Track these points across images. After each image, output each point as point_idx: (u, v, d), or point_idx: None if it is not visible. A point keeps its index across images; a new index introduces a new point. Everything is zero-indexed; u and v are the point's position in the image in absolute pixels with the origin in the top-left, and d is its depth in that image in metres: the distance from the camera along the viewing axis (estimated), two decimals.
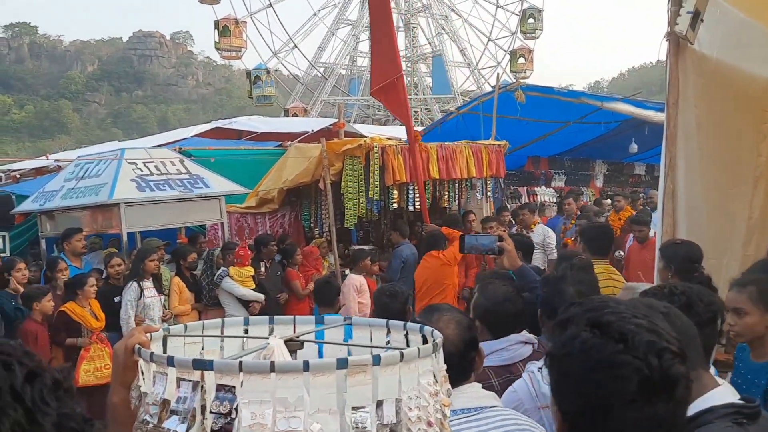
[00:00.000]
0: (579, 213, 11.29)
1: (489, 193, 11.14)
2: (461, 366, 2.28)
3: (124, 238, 8.72)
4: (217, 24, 42.91)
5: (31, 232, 11.30)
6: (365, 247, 9.70)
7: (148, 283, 7.48)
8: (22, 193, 11.91)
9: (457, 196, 10.72)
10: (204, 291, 8.53)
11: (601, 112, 12.25)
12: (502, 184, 12.97)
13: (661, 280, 4.76)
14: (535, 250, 7.47)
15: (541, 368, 2.67)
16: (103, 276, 7.93)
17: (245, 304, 8.34)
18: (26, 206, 10.36)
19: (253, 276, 8.43)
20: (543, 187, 15.45)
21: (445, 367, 1.69)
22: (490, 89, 16.12)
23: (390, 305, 4.59)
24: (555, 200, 14.59)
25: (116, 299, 7.45)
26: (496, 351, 3.04)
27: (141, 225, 8.95)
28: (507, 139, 11.59)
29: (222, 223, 9.93)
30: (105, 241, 10.12)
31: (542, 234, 10.06)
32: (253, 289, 8.39)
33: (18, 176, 14.95)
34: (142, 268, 7.44)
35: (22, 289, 7.15)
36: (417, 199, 9.74)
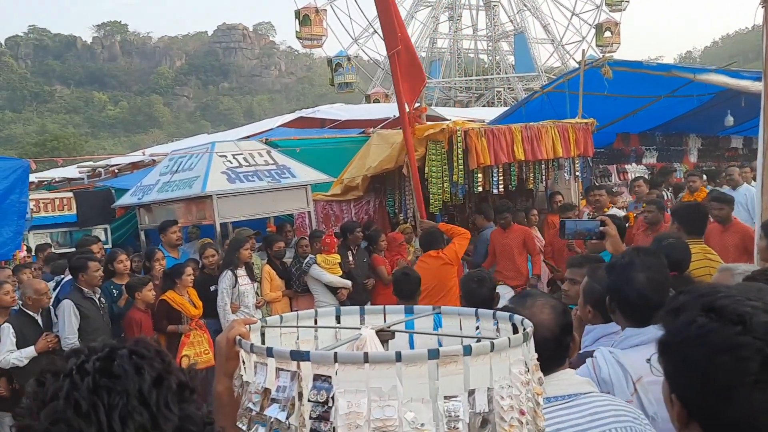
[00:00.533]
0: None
1: (577, 173, 10.89)
2: (557, 352, 2.27)
3: (217, 228, 9.02)
4: (297, 13, 43.40)
5: (131, 224, 11.83)
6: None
7: (241, 272, 7.73)
8: (121, 187, 12.49)
9: (543, 177, 10.54)
10: (293, 278, 8.74)
11: (694, 85, 11.77)
12: (591, 163, 12.66)
13: (763, 260, 4.56)
14: None
15: (612, 352, 2.64)
16: (199, 266, 8.23)
17: (333, 290, 8.51)
18: (125, 200, 10.86)
19: (340, 263, 8.58)
20: (633, 164, 14.99)
21: (536, 355, 1.69)
22: (575, 65, 15.73)
23: (477, 291, 4.57)
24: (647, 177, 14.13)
25: (212, 288, 7.73)
26: (607, 335, 3.04)
27: (232, 215, 9.24)
28: (594, 117, 11.29)
29: (309, 212, 10.13)
30: (203, 232, 10.49)
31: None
32: (340, 276, 8.54)
33: (116, 171, 15.66)
34: (237, 257, 7.69)
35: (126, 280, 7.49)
36: (501, 182, 9.65)
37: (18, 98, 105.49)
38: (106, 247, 10.53)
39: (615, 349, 2.67)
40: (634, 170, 14.57)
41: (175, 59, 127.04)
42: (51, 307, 6.62)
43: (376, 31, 46.97)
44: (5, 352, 6.07)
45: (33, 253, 10.28)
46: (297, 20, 43.53)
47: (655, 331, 2.66)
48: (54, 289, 7.29)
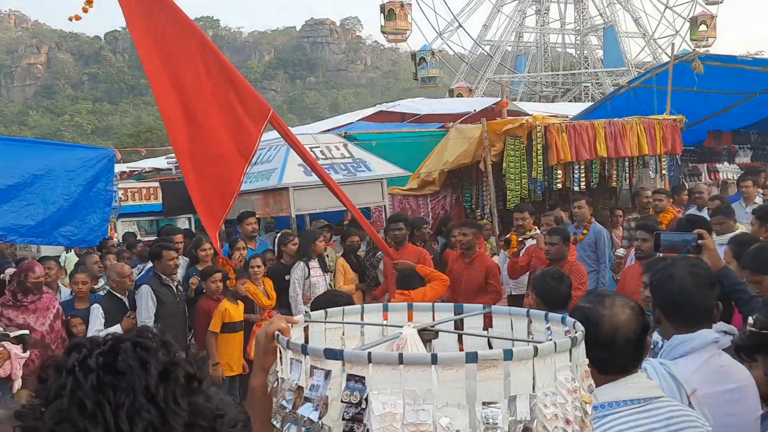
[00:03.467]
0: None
1: (664, 171, 10.50)
2: (636, 353, 2.21)
3: (293, 220, 9.13)
4: (382, 8, 43.67)
5: None
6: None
7: (314, 263, 7.78)
8: None
9: (627, 174, 10.20)
10: (367, 272, 8.75)
11: None
12: (679, 161, 12.17)
13: None
14: None
15: (663, 363, 2.50)
16: (276, 256, 8.33)
17: None
18: None
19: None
20: (726, 163, 14.31)
21: (587, 361, 1.60)
22: (666, 60, 15.14)
23: (557, 288, 4.44)
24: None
25: (286, 277, 7.82)
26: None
27: (308, 208, 9.33)
28: (684, 113, 10.87)
29: (385, 206, 10.12)
30: (279, 224, 10.64)
31: None
32: None
33: None
34: (312, 249, 7.76)
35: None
36: (582, 179, 9.39)
37: (115, 91, 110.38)
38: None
39: (665, 360, 2.53)
40: (726, 169, 13.91)
41: (264, 54, 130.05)
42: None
43: (461, 25, 46.73)
44: (94, 331, 6.39)
45: (120, 240, 10.70)
46: (382, 14, 43.75)
47: (705, 336, 2.51)
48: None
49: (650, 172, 10.61)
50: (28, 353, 5.79)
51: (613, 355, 2.13)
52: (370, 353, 1.41)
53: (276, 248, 8.29)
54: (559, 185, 9.33)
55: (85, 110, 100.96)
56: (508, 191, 9.39)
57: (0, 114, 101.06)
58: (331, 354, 1.45)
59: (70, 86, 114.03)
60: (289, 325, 1.75)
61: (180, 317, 6.75)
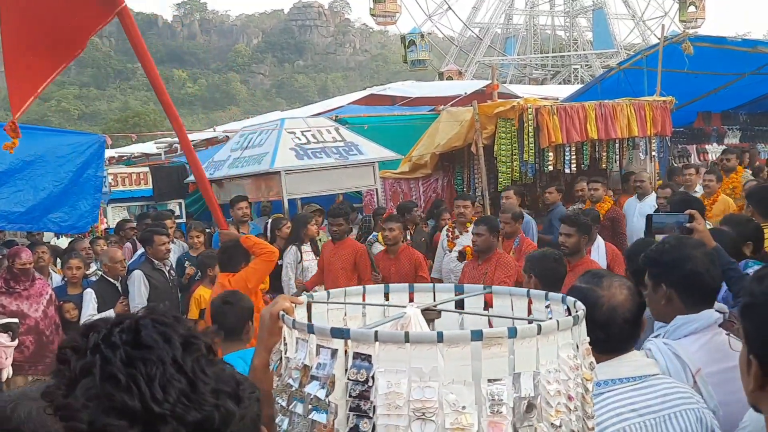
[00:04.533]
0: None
1: (653, 153, 10.53)
2: (633, 332, 2.26)
3: (285, 204, 9.13)
4: None
5: (204, 199, 12.08)
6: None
7: (306, 248, 7.80)
8: None
9: (617, 156, 10.23)
10: None
11: None
12: (669, 143, 12.21)
13: None
14: None
15: (667, 343, 2.52)
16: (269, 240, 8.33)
17: None
18: None
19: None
20: (715, 144, 14.41)
21: (587, 339, 1.63)
22: (656, 42, 15.15)
23: (557, 269, 4.44)
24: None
25: (279, 262, 7.83)
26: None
27: (300, 192, 9.34)
28: (674, 95, 10.87)
29: (376, 189, 10.13)
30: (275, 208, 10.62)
31: None
32: None
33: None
34: (303, 233, 7.76)
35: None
36: (573, 161, 9.42)
37: (102, 76, 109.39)
38: (180, 221, 10.81)
39: (668, 340, 2.56)
40: (715, 150, 14.01)
41: (251, 37, 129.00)
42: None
43: (450, 8, 46.55)
44: (87, 316, 6.42)
45: (109, 226, 10.66)
46: None
47: (709, 316, 2.54)
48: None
49: (640, 154, 10.64)
50: (16, 342, 5.77)
51: (610, 335, 2.16)
52: (376, 332, 1.42)
53: (270, 232, 8.29)
54: (551, 167, 9.35)
55: (72, 95, 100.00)
56: (499, 174, 9.41)
57: None
58: (338, 333, 1.47)
59: None
60: (293, 305, 1.77)
61: (173, 302, 6.77)
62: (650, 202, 8.45)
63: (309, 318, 1.90)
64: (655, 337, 2.64)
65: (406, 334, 1.42)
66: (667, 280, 2.63)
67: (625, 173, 10.36)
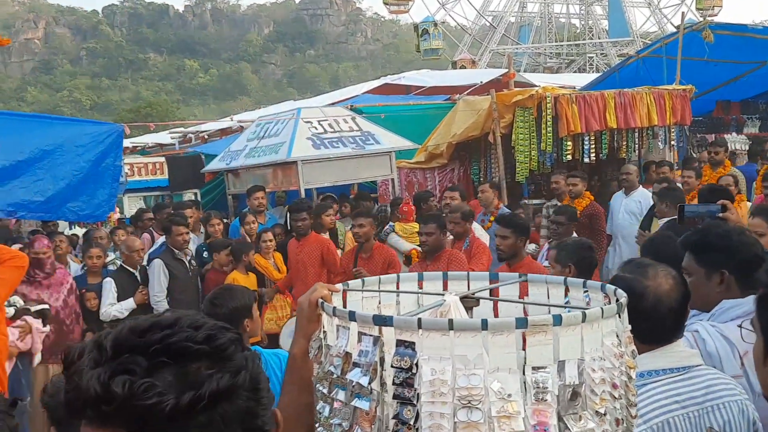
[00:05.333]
0: None
1: (673, 142, 10.47)
2: (678, 323, 2.24)
3: (302, 194, 9.13)
4: None
5: (219, 189, 12.15)
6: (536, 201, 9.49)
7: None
8: (210, 152, 12.83)
9: (636, 146, 10.17)
10: None
11: None
12: (687, 132, 12.12)
13: None
14: None
15: (714, 325, 2.51)
16: (287, 230, 8.35)
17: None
18: (214, 165, 11.14)
19: (417, 231, 8.48)
20: (734, 133, 14.26)
21: (629, 327, 1.61)
22: (673, 30, 15.02)
23: (594, 258, 4.42)
24: (746, 148, 13.43)
25: None
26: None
27: (317, 182, 9.34)
28: (693, 83, 10.80)
29: (392, 179, 10.11)
30: (289, 198, 10.64)
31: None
32: (417, 245, 8.46)
33: (206, 137, 16.08)
34: (319, 222, 7.77)
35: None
36: (592, 150, 9.37)
37: (114, 66, 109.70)
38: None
39: (715, 322, 2.55)
40: (734, 140, 13.87)
41: (263, 27, 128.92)
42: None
43: None
44: (107, 305, 6.45)
45: (125, 216, 10.73)
46: None
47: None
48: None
49: (659, 143, 10.58)
50: (48, 328, 5.84)
51: (655, 325, 2.15)
52: (420, 319, 1.42)
53: (287, 222, 8.30)
54: (569, 157, 9.30)
55: (84, 86, 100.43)
56: (517, 163, 9.37)
57: None
58: (380, 320, 1.46)
59: (68, 61, 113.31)
60: (330, 293, 1.76)
61: (192, 292, 6.79)
62: (637, 197, 7.99)
63: (344, 306, 1.90)
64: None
65: (450, 321, 1.41)
66: (729, 265, 2.61)
67: (645, 163, 10.30)
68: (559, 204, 8.11)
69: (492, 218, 7.77)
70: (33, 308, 5.78)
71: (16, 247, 6.93)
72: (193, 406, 0.93)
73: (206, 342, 0.98)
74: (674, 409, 2.07)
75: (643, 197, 7.99)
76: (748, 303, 2.53)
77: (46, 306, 5.93)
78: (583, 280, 1.89)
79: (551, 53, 47.76)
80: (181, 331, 0.98)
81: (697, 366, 2.18)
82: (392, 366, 1.42)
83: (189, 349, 0.96)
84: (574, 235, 6.35)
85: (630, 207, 7.99)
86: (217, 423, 0.96)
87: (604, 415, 1.46)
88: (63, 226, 10.20)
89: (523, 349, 1.41)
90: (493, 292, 2.01)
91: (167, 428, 0.93)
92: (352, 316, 1.51)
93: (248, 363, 1.01)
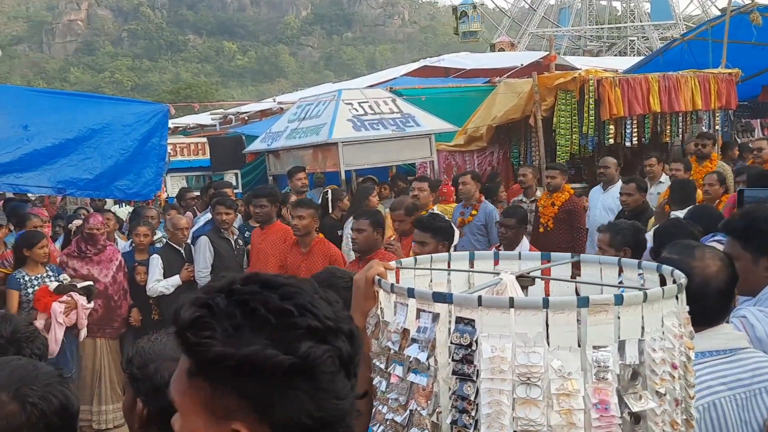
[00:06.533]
0: None
1: (717, 127, 10.28)
2: (725, 304, 2.23)
3: (342, 175, 9.17)
4: None
5: (260, 169, 12.25)
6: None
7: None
8: (251, 133, 12.93)
9: (680, 130, 10.01)
10: None
11: None
12: (732, 117, 11.89)
13: None
14: None
15: (762, 310, 2.49)
16: (327, 211, 8.38)
17: None
18: (255, 146, 11.23)
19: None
20: None
21: (687, 308, 1.61)
22: (718, 13, 14.69)
23: (645, 240, 4.39)
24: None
25: (339, 233, 7.89)
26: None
27: (357, 163, 9.37)
28: (739, 67, 10.58)
29: (432, 161, 10.09)
30: (327, 179, 10.69)
31: None
32: None
33: (246, 118, 16.20)
34: (366, 204, 7.79)
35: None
36: (635, 134, 9.24)
37: (154, 48, 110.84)
38: (236, 191, 10.96)
39: (763, 307, 2.53)
40: None
41: (300, 9, 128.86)
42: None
43: None
44: (153, 281, 6.59)
45: (169, 195, 10.89)
46: None
47: None
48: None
49: (703, 128, 10.39)
50: (92, 304, 5.99)
51: (703, 307, 2.12)
52: (480, 297, 1.43)
53: (330, 204, 8.31)
54: (611, 141, 9.19)
55: (125, 67, 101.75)
56: (558, 147, 9.29)
57: (42, 71, 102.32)
58: (440, 297, 1.48)
59: (109, 43, 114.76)
60: (386, 270, 1.78)
61: (236, 270, 6.87)
62: (615, 193, 7.35)
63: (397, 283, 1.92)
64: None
65: (511, 299, 1.43)
66: None
67: (686, 142, 10.13)
68: (525, 200, 7.76)
69: (473, 212, 7.33)
70: (79, 285, 5.93)
71: (77, 222, 7.11)
72: (224, 360, 0.99)
73: (280, 315, 1.02)
74: (720, 390, 2.06)
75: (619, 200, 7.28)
76: None
77: (91, 283, 6.08)
78: (638, 260, 1.88)
79: (591, 36, 46.99)
80: (271, 294, 1.04)
81: (745, 348, 2.17)
82: (452, 343, 1.43)
83: (259, 312, 1.02)
84: (525, 240, 5.79)
85: (607, 203, 7.43)
86: (271, 394, 1.02)
87: (664, 395, 1.46)
88: (109, 204, 10.40)
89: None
90: (544, 272, 2.02)
91: (210, 369, 1.01)
92: (411, 293, 1.53)
93: (311, 355, 1.02)
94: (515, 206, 6.59)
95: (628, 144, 9.32)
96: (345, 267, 5.39)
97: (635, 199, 6.53)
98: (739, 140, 11.96)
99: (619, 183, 7.46)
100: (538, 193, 7.85)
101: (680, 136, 10.33)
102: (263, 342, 0.99)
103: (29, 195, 9.95)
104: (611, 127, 9.09)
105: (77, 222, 7.21)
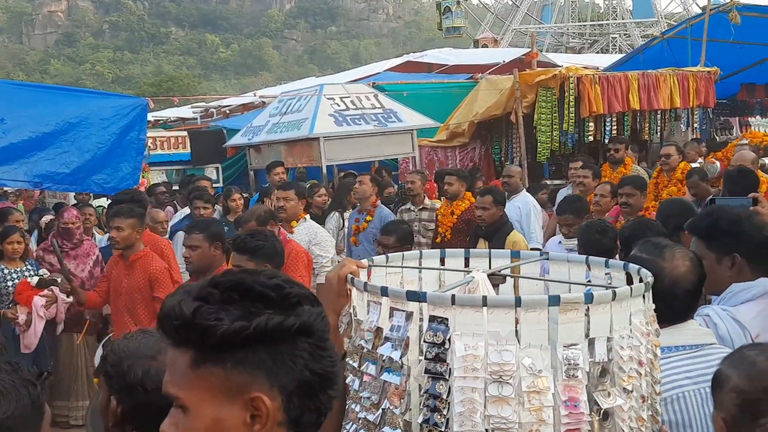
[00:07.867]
0: None
1: (695, 125, 10.39)
2: (693, 302, 2.27)
3: (324, 171, 9.15)
4: None
5: (241, 164, 12.19)
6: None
7: (348, 215, 7.83)
8: (232, 127, 12.87)
9: (658, 128, 10.10)
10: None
11: None
12: (711, 115, 12.00)
13: None
14: None
15: (725, 309, 2.53)
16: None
17: None
18: (236, 140, 11.18)
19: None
20: (758, 117, 14.11)
21: (653, 306, 1.63)
22: (699, 11, 14.80)
23: (601, 242, 4.38)
24: None
25: None
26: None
27: (338, 158, 9.35)
28: (718, 65, 10.69)
29: (413, 157, 10.09)
30: (309, 174, 10.67)
31: None
32: None
33: (228, 112, 16.12)
34: (347, 200, 7.79)
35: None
36: (614, 132, 9.32)
37: (136, 39, 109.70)
38: (216, 185, 10.91)
39: (725, 306, 2.57)
40: (758, 123, 13.72)
41: (284, 2, 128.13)
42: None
43: None
44: None
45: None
46: None
47: (765, 283, 2.55)
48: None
49: (682, 126, 10.51)
50: (71, 298, 5.95)
51: (671, 306, 2.16)
52: (453, 296, 1.44)
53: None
54: (591, 138, 9.26)
55: (106, 59, 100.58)
56: (538, 143, 9.35)
57: (22, 62, 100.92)
58: (414, 296, 1.48)
59: (90, 34, 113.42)
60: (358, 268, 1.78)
61: None
62: (517, 203, 6.96)
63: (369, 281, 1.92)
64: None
65: (484, 298, 1.44)
66: (742, 249, 2.61)
67: (665, 145, 10.21)
68: (412, 209, 7.24)
69: (368, 218, 6.88)
70: (60, 279, 5.89)
71: (47, 217, 7.03)
72: (239, 334, 1.08)
73: (274, 289, 1.14)
74: (685, 384, 2.10)
75: (523, 203, 7.05)
76: (759, 286, 2.55)
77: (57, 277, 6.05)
78: (605, 259, 1.90)
79: (574, 33, 47.22)
80: (256, 276, 1.16)
81: (711, 344, 2.21)
82: (425, 341, 1.44)
83: (255, 289, 1.13)
84: None
85: (509, 212, 6.56)
86: (279, 358, 1.12)
87: (631, 392, 1.48)
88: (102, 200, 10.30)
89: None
90: (514, 270, 2.03)
91: (222, 351, 1.10)
92: (384, 291, 1.54)
93: (310, 317, 1.15)
94: (397, 222, 6.08)
95: (607, 141, 9.39)
96: (305, 265, 5.32)
97: (491, 214, 5.88)
98: (717, 138, 12.08)
99: (523, 192, 7.25)
100: (427, 201, 7.33)
101: (659, 133, 10.42)
102: (267, 312, 1.10)
103: (5, 189, 9.84)
104: (591, 124, 9.17)
105: (48, 217, 7.13)
